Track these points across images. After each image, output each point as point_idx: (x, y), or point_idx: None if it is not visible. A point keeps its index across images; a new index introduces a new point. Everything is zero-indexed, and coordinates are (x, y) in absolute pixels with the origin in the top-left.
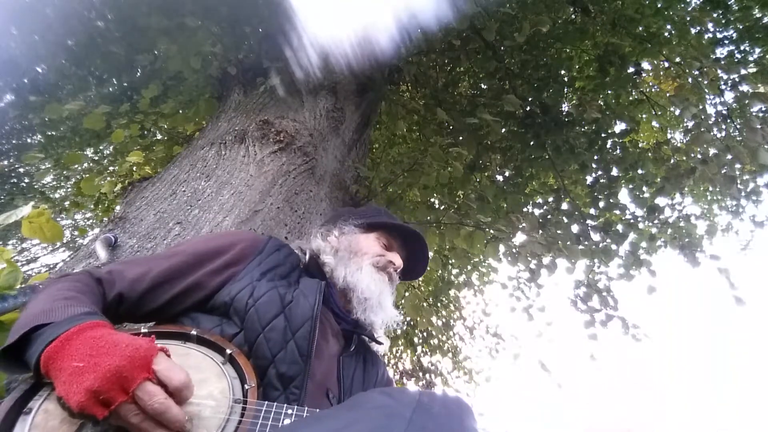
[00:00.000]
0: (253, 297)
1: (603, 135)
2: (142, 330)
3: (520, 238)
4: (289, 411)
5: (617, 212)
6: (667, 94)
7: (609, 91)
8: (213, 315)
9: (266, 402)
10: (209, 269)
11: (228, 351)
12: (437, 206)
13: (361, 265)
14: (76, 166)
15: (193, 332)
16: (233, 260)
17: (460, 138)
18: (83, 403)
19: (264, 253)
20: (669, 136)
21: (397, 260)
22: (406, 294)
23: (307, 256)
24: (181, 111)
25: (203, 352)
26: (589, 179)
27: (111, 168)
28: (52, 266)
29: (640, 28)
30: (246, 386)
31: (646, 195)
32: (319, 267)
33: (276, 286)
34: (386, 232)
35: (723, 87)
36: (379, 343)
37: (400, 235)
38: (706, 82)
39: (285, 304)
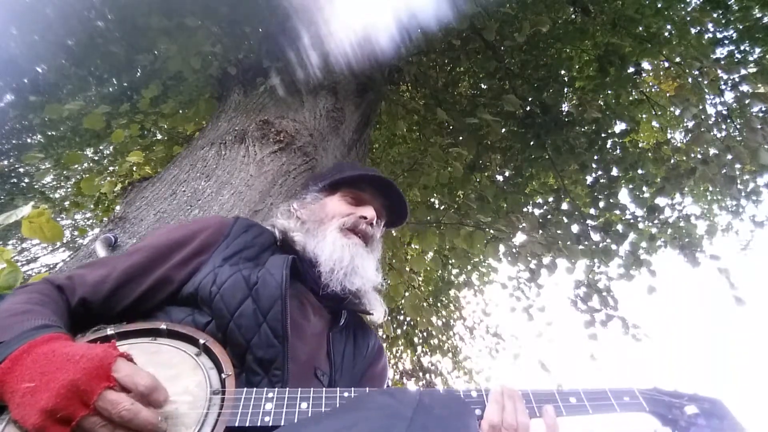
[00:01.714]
0: (216, 284)
1: (603, 135)
2: (108, 332)
3: (520, 238)
4: (270, 394)
5: (617, 212)
6: (667, 94)
7: (609, 91)
8: (184, 306)
9: (245, 389)
10: (174, 262)
11: (201, 341)
12: (437, 206)
13: (326, 233)
14: (76, 166)
15: (163, 326)
16: (199, 249)
17: (460, 138)
18: (39, 425)
19: (230, 237)
20: (669, 136)
21: (369, 212)
22: (406, 294)
23: (278, 235)
24: (181, 111)
25: (175, 346)
26: (589, 179)
27: (111, 168)
28: (52, 266)
29: (640, 28)
30: (223, 375)
31: (646, 195)
32: (292, 245)
33: (240, 269)
34: (351, 187)
35: (723, 87)
36: (369, 313)
37: (368, 185)
38: (706, 82)
39: (251, 286)
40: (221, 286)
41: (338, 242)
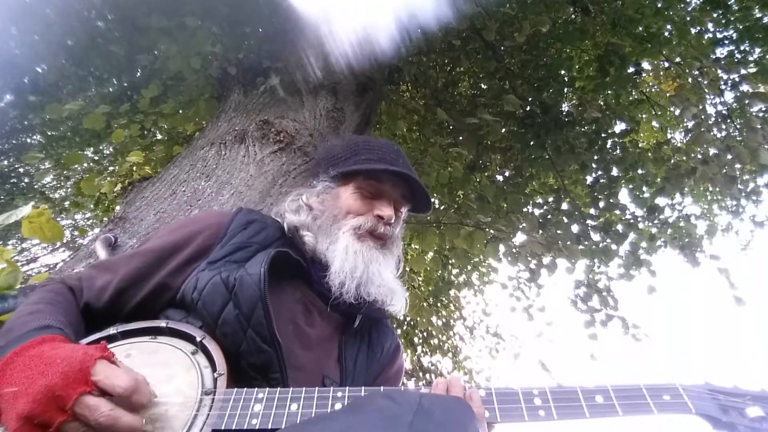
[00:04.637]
0: (197, 289)
1: (603, 135)
2: (111, 332)
3: (520, 238)
4: (260, 395)
5: (617, 212)
6: (667, 94)
7: (609, 91)
8: (180, 309)
9: (235, 390)
10: (171, 267)
11: (198, 338)
12: (437, 206)
13: (338, 234)
14: (76, 166)
15: (164, 324)
16: (195, 254)
17: (460, 138)
18: (18, 431)
19: (226, 237)
20: (669, 136)
21: (387, 211)
22: (406, 294)
23: (287, 230)
24: (181, 111)
25: (173, 345)
26: (589, 179)
27: (111, 168)
28: (52, 266)
29: (640, 28)
30: (215, 374)
31: (646, 195)
32: (301, 245)
33: (220, 271)
34: (368, 177)
35: (723, 87)
36: (386, 316)
37: (387, 174)
38: (706, 82)
39: (230, 289)
40: (201, 292)
41: (351, 248)
